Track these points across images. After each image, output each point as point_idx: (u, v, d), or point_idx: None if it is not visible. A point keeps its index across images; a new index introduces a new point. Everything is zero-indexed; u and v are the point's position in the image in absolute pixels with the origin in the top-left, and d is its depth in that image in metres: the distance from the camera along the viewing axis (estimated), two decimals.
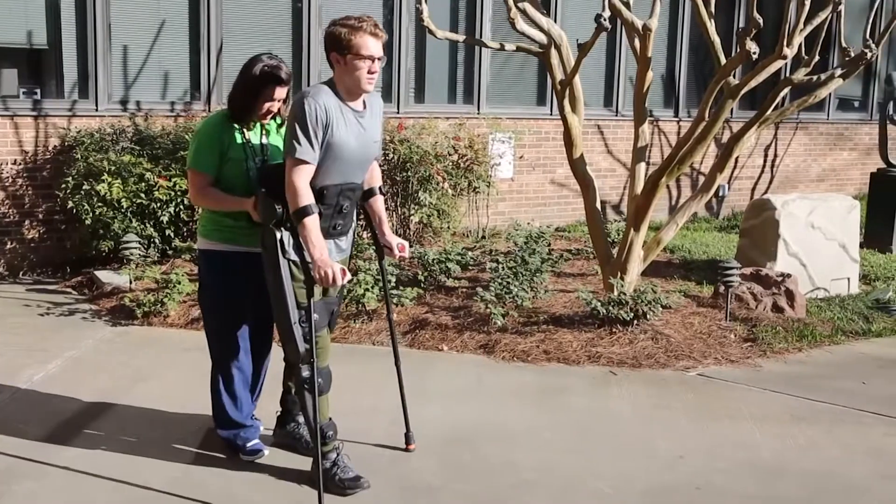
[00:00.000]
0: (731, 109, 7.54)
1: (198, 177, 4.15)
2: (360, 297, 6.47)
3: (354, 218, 4.19)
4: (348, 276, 3.78)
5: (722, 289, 7.06)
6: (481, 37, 9.62)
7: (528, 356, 6.05)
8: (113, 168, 7.34)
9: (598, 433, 4.86)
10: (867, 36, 7.39)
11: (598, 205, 7.18)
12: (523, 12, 6.73)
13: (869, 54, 7.07)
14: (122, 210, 7.39)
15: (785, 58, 6.44)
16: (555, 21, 8.61)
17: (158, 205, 7.42)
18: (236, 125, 4.16)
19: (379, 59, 3.83)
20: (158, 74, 8.45)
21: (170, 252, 7.70)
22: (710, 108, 6.70)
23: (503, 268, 7.11)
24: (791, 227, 7.98)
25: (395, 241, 4.27)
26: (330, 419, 4.07)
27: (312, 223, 3.69)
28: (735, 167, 12.13)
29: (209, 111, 8.39)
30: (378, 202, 4.32)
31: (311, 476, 4.01)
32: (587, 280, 7.76)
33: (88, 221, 7.41)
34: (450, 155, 8.82)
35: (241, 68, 4.20)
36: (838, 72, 7.25)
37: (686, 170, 7.68)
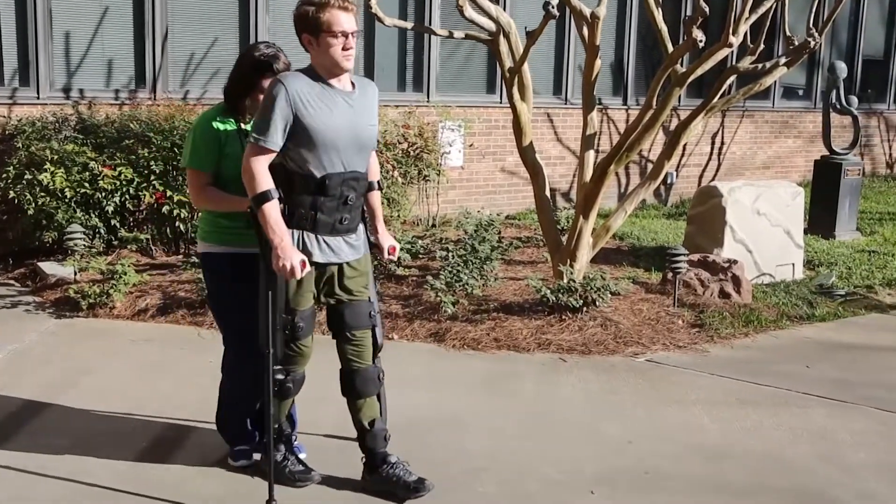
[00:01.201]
0: (679, 97, 7.64)
1: (196, 175, 3.93)
2: None
3: (361, 212, 3.89)
4: (308, 268, 3.57)
5: (670, 275, 7.15)
6: (430, 24, 9.61)
7: (478, 344, 6.08)
8: (56, 157, 7.21)
9: (548, 420, 4.90)
10: (810, 25, 7.51)
11: (548, 192, 7.23)
12: (472, 0, 6.73)
13: (812, 43, 7.18)
14: (66, 200, 7.26)
15: (731, 46, 6.52)
16: (504, 9, 8.63)
17: (103, 195, 7.31)
18: (232, 119, 3.96)
19: (353, 33, 3.61)
20: (102, 62, 8.32)
21: (115, 243, 7.60)
22: (657, 96, 6.77)
23: (453, 256, 7.12)
24: (737, 214, 8.10)
25: (387, 241, 4.03)
26: (291, 416, 4.07)
27: (272, 208, 3.49)
28: (683, 155, 12.26)
29: (154, 99, 8.28)
30: (374, 197, 4.04)
31: (262, 468, 3.99)
32: (537, 267, 7.80)
33: (31, 212, 7.27)
34: (399, 143, 8.82)
35: (237, 58, 4.04)
36: (783, 60, 7.36)
37: (634, 157, 7.75)
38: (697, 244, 8.06)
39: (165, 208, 7.39)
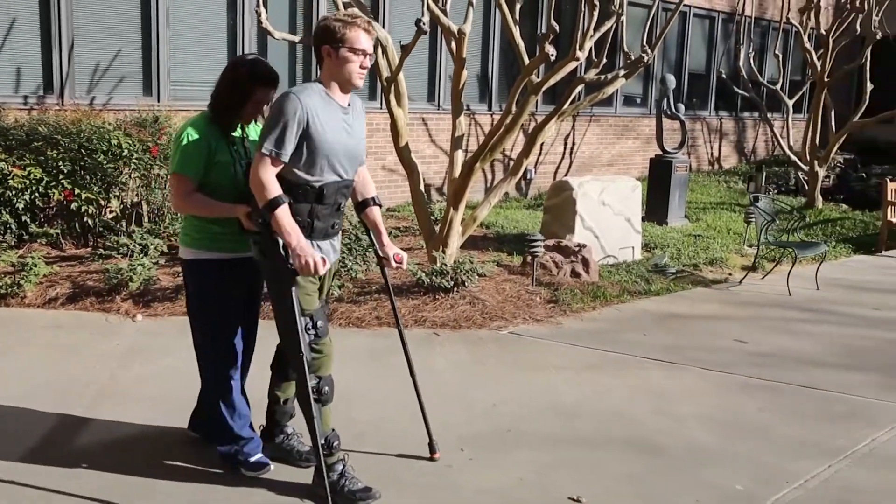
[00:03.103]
0: (536, 103, 7.69)
1: (183, 182, 3.51)
2: None
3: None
4: (328, 264, 3.35)
5: (529, 258, 7.22)
6: None
7: (362, 322, 6.01)
8: None
9: (424, 388, 4.86)
10: (644, 43, 7.68)
11: (422, 187, 7.19)
12: None
13: (646, 58, 7.35)
14: None
15: (578, 59, 6.62)
16: (382, 25, 8.54)
17: (13, 193, 6.90)
18: (219, 127, 3.58)
19: (370, 55, 3.41)
20: (11, 69, 7.83)
21: (26, 238, 7.20)
22: (516, 103, 6.81)
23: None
24: (586, 205, 8.23)
25: (392, 251, 3.78)
26: (333, 429, 3.54)
27: (284, 212, 3.23)
28: (540, 153, 12.41)
29: (62, 104, 7.87)
30: (375, 213, 3.79)
31: (314, 490, 3.51)
32: (414, 254, 7.77)
33: None
34: None
35: (224, 70, 3.63)
36: (622, 72, 7.52)
37: (498, 156, 7.80)
38: (553, 231, 8.17)
39: (74, 205, 7.04)
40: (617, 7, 7.11)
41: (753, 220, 8.65)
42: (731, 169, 15.91)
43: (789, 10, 13.36)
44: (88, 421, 4.20)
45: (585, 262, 7.48)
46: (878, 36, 12.00)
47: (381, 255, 3.82)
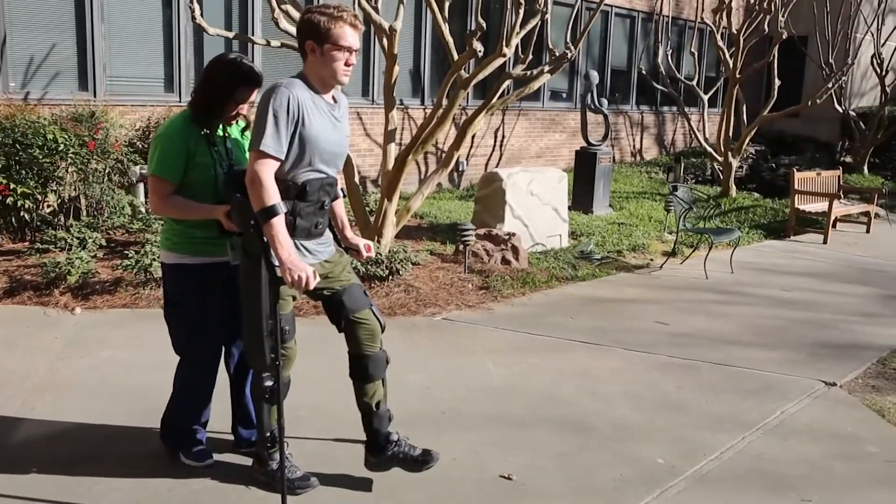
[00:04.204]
0: (466, 97, 7.70)
1: (162, 184, 3.28)
2: (147, 266, 6.10)
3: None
4: (318, 278, 3.10)
5: (461, 247, 7.23)
6: (253, 34, 9.26)
7: (300, 311, 5.93)
8: None
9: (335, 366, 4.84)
10: (568, 40, 7.73)
11: (358, 179, 7.15)
12: (286, 13, 6.52)
13: (570, 54, 7.40)
14: None
15: (505, 56, 6.63)
16: None
17: None
18: (199, 127, 3.33)
19: (356, 50, 3.14)
20: None
21: None
22: (447, 97, 6.79)
23: None
24: (515, 195, 8.27)
25: (360, 242, 3.55)
26: (280, 423, 3.32)
27: (280, 223, 2.99)
28: (471, 146, 12.42)
29: None
30: (339, 205, 3.52)
31: (255, 477, 3.45)
32: None
33: None
34: None
35: (206, 68, 3.38)
36: (547, 68, 7.55)
37: (430, 148, 7.77)
38: (484, 220, 8.19)
39: (10, 199, 6.79)
40: (542, 6, 7.14)
41: (673, 208, 8.80)
42: (651, 160, 16.17)
43: (703, 10, 13.62)
44: (27, 414, 4.06)
45: (515, 250, 7.51)
46: (784, 36, 12.31)
47: (346, 246, 3.57)
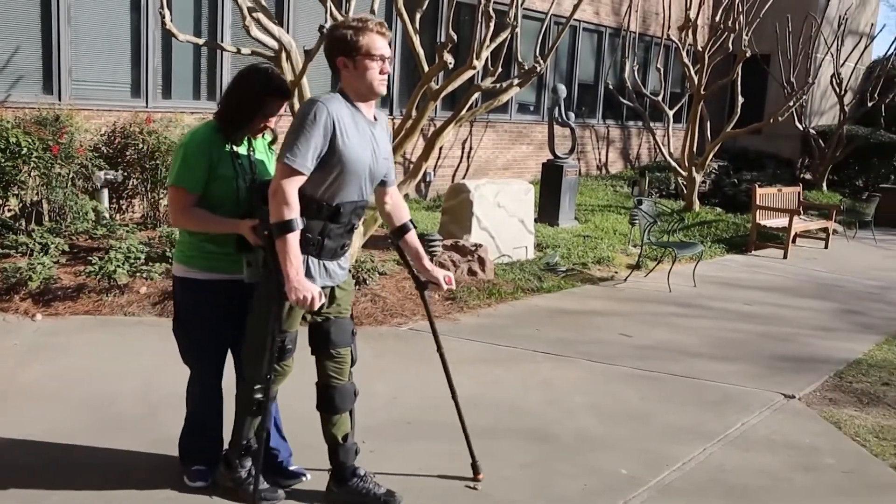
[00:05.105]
0: (435, 109, 7.72)
1: (183, 195, 3.17)
2: (111, 273, 6.02)
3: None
4: (324, 298, 3.05)
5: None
6: (223, 41, 9.21)
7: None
8: None
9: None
10: (537, 54, 7.79)
11: None
12: (257, 21, 6.49)
13: (538, 68, 7.46)
14: None
15: (475, 68, 6.67)
16: (286, 30, 8.40)
17: None
18: (225, 140, 3.22)
19: (388, 58, 3.05)
20: None
21: None
22: (416, 108, 6.81)
23: None
24: (482, 207, 8.30)
25: (440, 274, 3.49)
26: (256, 435, 3.35)
27: (294, 239, 2.91)
28: (439, 157, 12.45)
29: None
30: (414, 238, 3.46)
31: (220, 482, 3.42)
32: None
33: None
34: None
35: (234, 79, 3.28)
36: (516, 81, 7.60)
37: (399, 159, 7.76)
38: (451, 231, 8.20)
39: None
40: (512, 19, 7.19)
41: (637, 221, 8.89)
42: (617, 174, 16.31)
43: (670, 27, 13.81)
44: None
45: (481, 261, 7.53)
46: (748, 54, 12.53)
47: (425, 279, 3.51)
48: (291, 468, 3.57)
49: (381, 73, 3.05)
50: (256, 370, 3.16)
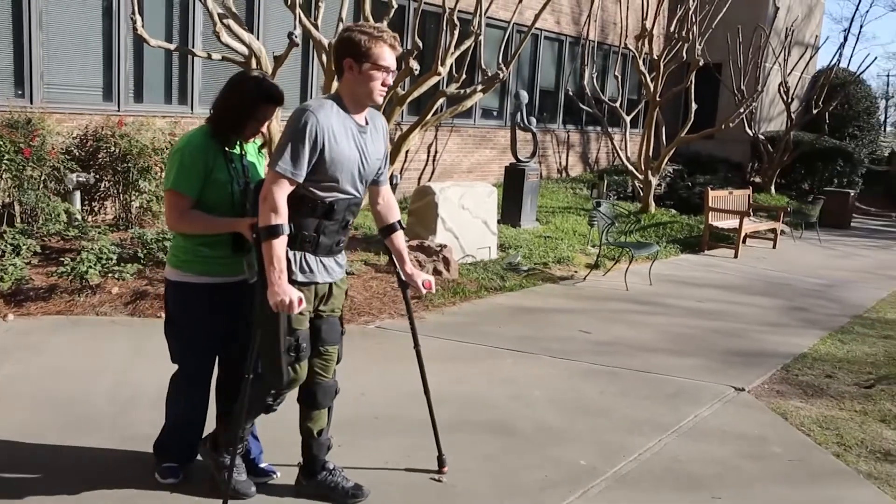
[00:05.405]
0: (401, 114, 7.72)
1: (180, 199, 3.12)
2: (83, 274, 5.93)
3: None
4: (304, 304, 2.99)
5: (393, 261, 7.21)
6: (194, 46, 9.12)
7: None
8: None
9: None
10: (500, 61, 7.83)
11: None
12: (228, 27, 6.45)
13: (501, 75, 7.50)
14: None
15: (440, 74, 6.69)
16: (256, 36, 8.34)
17: None
18: (219, 145, 3.19)
19: (393, 72, 3.07)
20: None
21: None
22: (383, 113, 6.80)
23: None
24: (447, 209, 8.30)
25: (420, 277, 3.50)
26: (251, 426, 3.38)
27: (280, 245, 2.90)
28: (405, 161, 12.43)
29: None
30: (400, 238, 3.50)
31: (205, 461, 3.41)
32: None
33: None
34: (167, 149, 8.30)
35: (227, 85, 3.25)
36: (479, 87, 7.63)
37: None
38: (416, 232, 8.20)
39: None
40: (475, 28, 7.22)
41: (596, 223, 8.96)
42: (576, 177, 16.42)
43: (627, 37, 13.94)
44: None
45: (446, 261, 7.54)
46: (701, 63, 12.69)
47: (405, 280, 3.52)
48: (262, 465, 3.55)
49: (383, 84, 3.05)
50: (277, 377, 3.10)
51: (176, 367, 3.42)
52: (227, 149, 3.22)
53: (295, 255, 3.06)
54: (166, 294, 3.36)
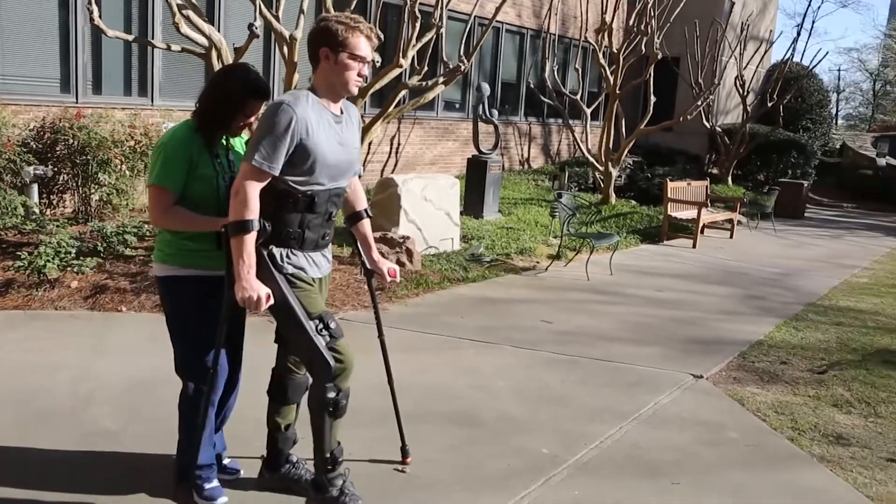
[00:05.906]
0: (363, 106, 7.65)
1: (164, 194, 3.03)
2: (41, 268, 5.80)
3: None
4: (272, 300, 2.89)
5: (358, 249, 7.17)
6: (153, 38, 8.95)
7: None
8: None
9: (260, 373, 4.74)
10: (461, 53, 7.81)
11: None
12: (187, 18, 6.34)
13: (463, 67, 7.48)
14: None
15: (401, 67, 6.64)
16: (217, 28, 8.22)
17: None
18: (204, 140, 3.10)
19: (369, 62, 3.02)
20: None
21: None
22: None
23: None
24: (410, 200, 8.28)
25: (385, 266, 3.44)
26: (339, 443, 3.17)
27: (249, 240, 2.83)
28: (368, 153, 12.36)
29: None
30: (366, 225, 3.44)
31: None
32: None
33: None
34: (126, 141, 8.15)
35: (213, 79, 3.19)
36: (441, 80, 7.61)
37: None
38: (379, 224, 8.16)
39: None
40: (437, 20, 7.19)
41: (557, 214, 9.00)
42: (538, 169, 16.48)
43: (587, 30, 14.00)
44: None
45: (409, 253, 7.52)
46: (659, 56, 12.79)
47: (370, 268, 3.46)
48: (225, 462, 3.49)
49: (359, 74, 3.01)
50: (321, 363, 2.95)
51: (181, 385, 3.23)
52: (212, 143, 3.13)
53: (282, 251, 3.00)
54: (159, 292, 3.28)
